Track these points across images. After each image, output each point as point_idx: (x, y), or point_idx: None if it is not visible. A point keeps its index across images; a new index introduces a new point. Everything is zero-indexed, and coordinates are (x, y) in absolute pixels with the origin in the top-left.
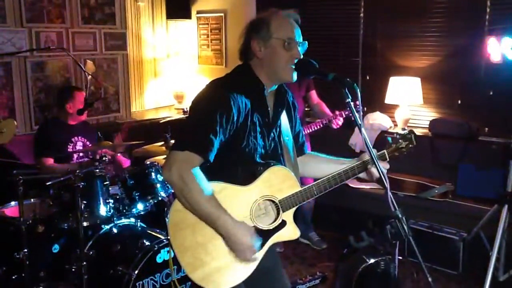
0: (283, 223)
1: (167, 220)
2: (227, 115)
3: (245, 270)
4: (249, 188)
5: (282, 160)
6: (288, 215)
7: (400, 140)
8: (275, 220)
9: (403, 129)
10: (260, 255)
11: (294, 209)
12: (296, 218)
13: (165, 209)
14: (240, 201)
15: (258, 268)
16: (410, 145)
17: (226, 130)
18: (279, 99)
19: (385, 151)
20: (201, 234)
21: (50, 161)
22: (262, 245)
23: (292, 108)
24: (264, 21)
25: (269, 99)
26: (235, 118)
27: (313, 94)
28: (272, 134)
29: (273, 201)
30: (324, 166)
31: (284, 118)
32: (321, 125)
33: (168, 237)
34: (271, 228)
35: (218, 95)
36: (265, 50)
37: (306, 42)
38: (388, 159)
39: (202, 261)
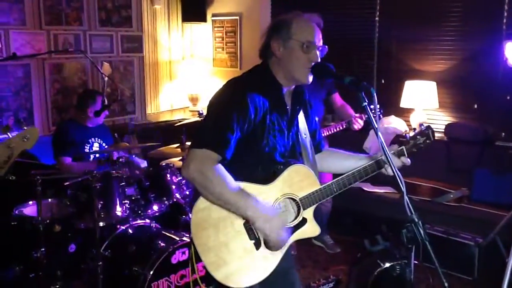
0: (303, 221)
1: (189, 219)
2: (244, 114)
3: (265, 269)
4: (270, 187)
5: (300, 158)
6: (308, 213)
7: (418, 136)
8: (295, 218)
9: (421, 124)
10: (280, 253)
11: (314, 206)
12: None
13: (185, 209)
14: (261, 200)
15: (275, 268)
16: (428, 141)
17: (243, 128)
18: (297, 98)
19: (403, 147)
20: (224, 233)
21: (68, 160)
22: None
23: (309, 106)
24: (286, 22)
25: (287, 98)
26: (252, 116)
27: (336, 96)
28: (290, 132)
29: (293, 199)
30: (343, 161)
31: (301, 116)
32: (341, 128)
33: (190, 236)
34: (292, 225)
35: (235, 94)
36: (284, 51)
37: (326, 46)
38: (406, 155)
39: (225, 260)
